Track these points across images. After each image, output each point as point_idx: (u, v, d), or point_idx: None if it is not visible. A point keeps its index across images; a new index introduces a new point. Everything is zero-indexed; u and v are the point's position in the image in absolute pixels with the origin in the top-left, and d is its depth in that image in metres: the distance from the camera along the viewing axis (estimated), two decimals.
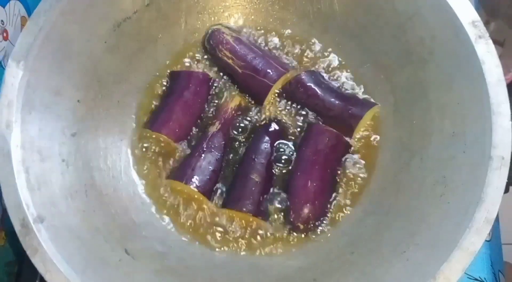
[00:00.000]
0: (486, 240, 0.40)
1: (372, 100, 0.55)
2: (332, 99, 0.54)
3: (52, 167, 0.45)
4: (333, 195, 0.52)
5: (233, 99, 0.56)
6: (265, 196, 0.52)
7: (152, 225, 0.52)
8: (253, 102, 0.56)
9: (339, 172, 0.53)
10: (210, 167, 0.52)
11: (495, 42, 0.46)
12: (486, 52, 0.43)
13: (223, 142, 0.54)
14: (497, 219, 0.54)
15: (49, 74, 0.46)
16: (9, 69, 0.44)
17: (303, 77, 0.55)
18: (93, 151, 0.51)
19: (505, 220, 0.52)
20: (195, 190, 0.51)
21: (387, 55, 0.54)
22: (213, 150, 0.53)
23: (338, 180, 0.53)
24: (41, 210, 0.42)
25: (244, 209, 0.50)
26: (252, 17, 0.59)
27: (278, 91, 0.56)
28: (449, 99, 0.46)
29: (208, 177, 0.52)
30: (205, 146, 0.53)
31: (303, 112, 0.56)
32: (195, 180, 0.51)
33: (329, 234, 0.51)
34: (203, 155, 0.52)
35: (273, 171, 0.53)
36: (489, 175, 0.40)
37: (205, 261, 0.50)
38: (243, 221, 0.52)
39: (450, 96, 0.46)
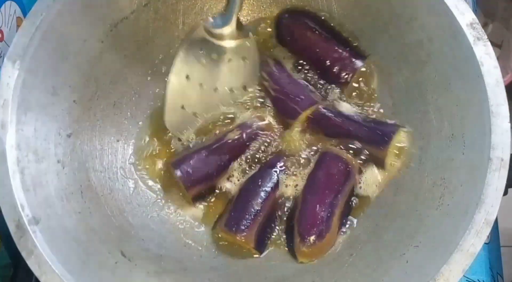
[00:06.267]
0: (485, 243, 0.40)
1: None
2: (356, 128, 0.52)
3: (48, 168, 0.45)
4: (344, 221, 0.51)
5: (261, 119, 0.54)
6: (265, 226, 0.51)
7: (148, 227, 0.51)
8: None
9: (351, 198, 0.52)
10: (209, 167, 0.51)
11: (493, 44, 0.46)
12: (485, 54, 0.43)
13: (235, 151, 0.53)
14: (496, 221, 0.54)
15: (45, 75, 0.46)
16: (5, 69, 0.43)
17: (323, 110, 0.53)
18: (89, 152, 0.51)
19: (504, 223, 0.52)
20: (179, 178, 0.51)
21: (384, 58, 0.54)
22: (220, 154, 0.52)
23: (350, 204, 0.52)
24: (37, 211, 0.41)
25: (238, 236, 0.49)
26: (249, 18, 0.59)
27: (305, 122, 0.54)
28: (447, 101, 0.46)
29: (203, 174, 0.51)
30: (214, 146, 0.52)
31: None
32: (187, 171, 0.51)
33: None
34: (207, 153, 0.52)
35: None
36: (488, 176, 0.40)
37: (203, 263, 0.49)
38: (236, 245, 0.50)
39: (448, 98, 0.46)
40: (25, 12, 0.58)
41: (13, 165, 0.42)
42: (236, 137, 0.53)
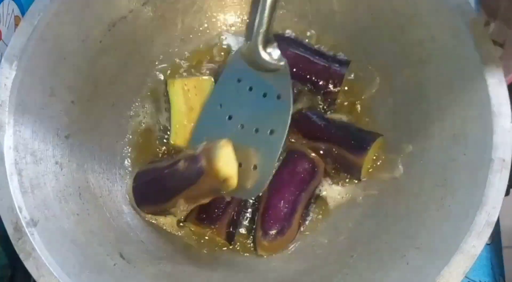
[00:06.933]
0: (486, 244, 0.40)
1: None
2: (337, 133, 0.52)
3: (46, 169, 0.45)
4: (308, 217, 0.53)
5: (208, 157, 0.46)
6: (234, 217, 0.51)
7: (147, 229, 0.51)
8: None
9: (312, 198, 0.53)
10: (157, 191, 0.50)
11: (495, 43, 0.45)
12: (487, 53, 0.43)
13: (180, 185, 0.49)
14: (497, 222, 0.53)
15: (43, 75, 0.45)
16: (2, 69, 0.43)
17: (306, 113, 0.54)
18: (88, 153, 0.50)
19: (506, 223, 0.52)
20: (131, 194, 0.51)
21: (386, 57, 0.53)
22: (167, 181, 0.49)
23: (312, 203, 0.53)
24: (34, 213, 0.41)
25: (210, 228, 0.49)
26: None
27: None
28: (449, 101, 0.46)
29: (152, 197, 0.51)
30: (166, 171, 0.49)
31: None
32: (138, 189, 0.51)
33: (327, 237, 0.51)
34: (160, 175, 0.49)
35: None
36: (490, 177, 0.40)
37: (202, 265, 0.49)
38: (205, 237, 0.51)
39: (450, 97, 0.46)
40: (23, 11, 0.58)
41: (10, 167, 0.42)
42: (181, 169, 0.47)
